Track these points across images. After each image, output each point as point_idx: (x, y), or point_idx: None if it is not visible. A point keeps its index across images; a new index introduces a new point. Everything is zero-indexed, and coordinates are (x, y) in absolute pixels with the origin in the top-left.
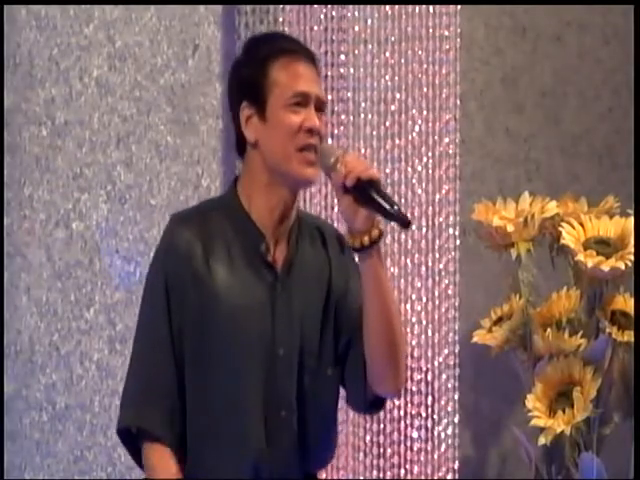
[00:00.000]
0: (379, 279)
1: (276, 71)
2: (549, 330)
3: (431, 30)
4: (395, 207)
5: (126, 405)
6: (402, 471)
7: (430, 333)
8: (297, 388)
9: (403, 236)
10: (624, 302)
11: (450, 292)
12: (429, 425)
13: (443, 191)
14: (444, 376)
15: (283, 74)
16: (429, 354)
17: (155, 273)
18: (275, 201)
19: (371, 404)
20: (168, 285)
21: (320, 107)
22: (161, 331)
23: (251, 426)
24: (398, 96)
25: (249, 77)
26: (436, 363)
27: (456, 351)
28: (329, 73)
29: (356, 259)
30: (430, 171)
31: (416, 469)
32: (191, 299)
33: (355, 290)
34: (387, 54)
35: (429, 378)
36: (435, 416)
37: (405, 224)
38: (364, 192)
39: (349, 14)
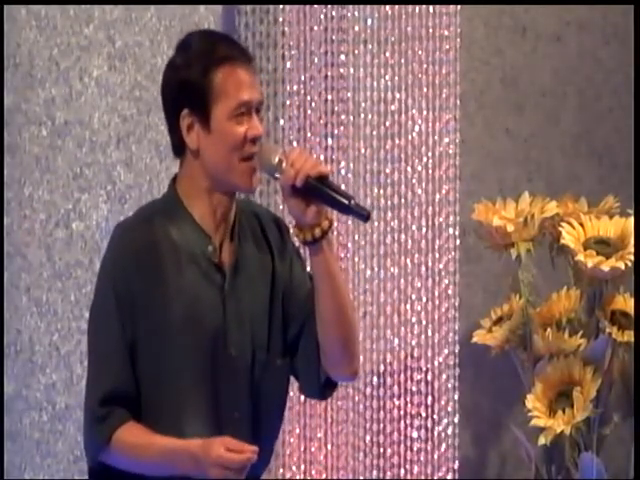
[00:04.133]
0: (331, 270)
1: (219, 81)
2: (549, 330)
3: (431, 30)
4: (352, 201)
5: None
6: (402, 471)
7: (430, 333)
8: (249, 385)
9: (403, 236)
10: (624, 302)
11: (450, 292)
12: (429, 425)
13: (443, 191)
14: (444, 376)
15: (226, 84)
16: (429, 354)
17: (104, 285)
18: (216, 204)
19: (324, 388)
20: (117, 297)
21: (259, 108)
22: (116, 342)
23: (206, 432)
24: (398, 96)
25: (191, 85)
26: (436, 363)
27: (456, 351)
28: (329, 73)
29: (296, 243)
30: (430, 171)
31: (416, 469)
32: (142, 309)
33: (299, 275)
34: (387, 54)
35: (429, 378)
36: (435, 416)
37: (364, 218)
38: (316, 190)
39: (349, 14)
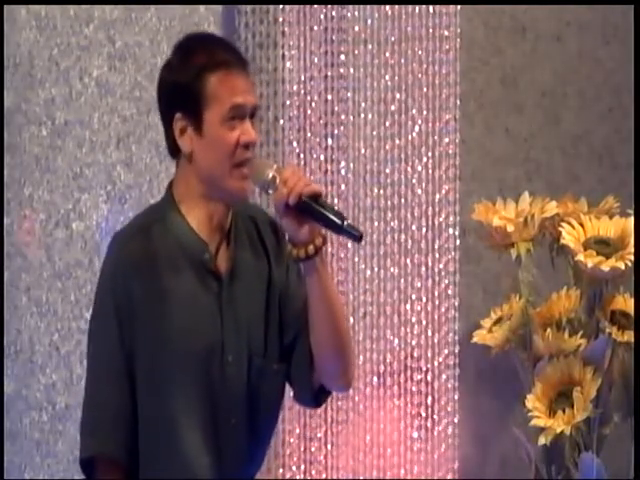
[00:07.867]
0: (324, 285)
1: (213, 85)
2: (549, 330)
3: (431, 30)
4: (345, 221)
5: (85, 434)
6: (402, 471)
7: (430, 333)
8: (246, 390)
9: (403, 236)
10: (624, 302)
11: (450, 292)
12: (429, 425)
13: (443, 191)
14: (444, 376)
15: (220, 88)
16: (429, 354)
17: (103, 295)
18: (212, 211)
19: (317, 396)
20: (117, 307)
21: (254, 113)
22: (114, 356)
23: (202, 438)
24: (398, 96)
25: (185, 89)
26: (436, 363)
27: (456, 351)
28: (329, 73)
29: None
30: (430, 171)
31: (416, 469)
32: (140, 319)
33: (295, 281)
34: (387, 54)
35: (429, 378)
36: (435, 416)
37: (357, 238)
38: (309, 208)
39: (349, 14)
